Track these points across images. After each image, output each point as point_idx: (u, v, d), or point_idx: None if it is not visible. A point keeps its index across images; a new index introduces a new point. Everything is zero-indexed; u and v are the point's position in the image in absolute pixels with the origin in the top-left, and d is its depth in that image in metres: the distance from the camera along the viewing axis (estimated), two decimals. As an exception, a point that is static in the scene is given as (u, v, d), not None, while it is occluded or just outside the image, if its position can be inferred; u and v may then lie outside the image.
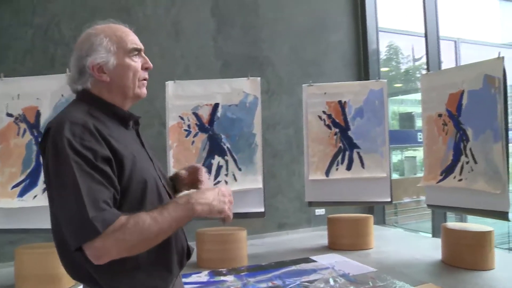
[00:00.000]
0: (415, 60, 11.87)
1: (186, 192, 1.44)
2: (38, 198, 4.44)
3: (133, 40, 1.49)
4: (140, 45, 1.50)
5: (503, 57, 4.29)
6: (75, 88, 1.46)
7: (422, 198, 10.28)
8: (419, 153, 11.73)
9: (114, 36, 1.46)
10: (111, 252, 1.21)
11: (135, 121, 1.57)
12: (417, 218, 9.76)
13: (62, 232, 1.30)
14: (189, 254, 1.59)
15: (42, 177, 4.46)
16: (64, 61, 5.42)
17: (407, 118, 11.59)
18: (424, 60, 11.44)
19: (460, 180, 4.68)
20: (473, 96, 4.59)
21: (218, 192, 1.38)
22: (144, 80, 1.51)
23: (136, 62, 1.47)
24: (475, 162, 4.53)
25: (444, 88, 4.92)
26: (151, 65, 1.51)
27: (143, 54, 1.51)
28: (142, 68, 1.49)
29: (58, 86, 4.50)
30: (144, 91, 1.51)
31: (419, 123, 11.86)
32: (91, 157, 1.25)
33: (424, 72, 11.56)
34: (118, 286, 1.34)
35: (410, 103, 12.22)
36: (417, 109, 12.11)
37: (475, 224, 5.07)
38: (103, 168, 1.26)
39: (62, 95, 4.48)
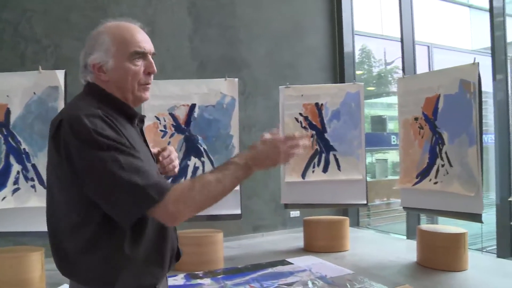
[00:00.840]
0: (387, 64, 12.03)
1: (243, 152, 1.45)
2: (7, 200, 4.27)
3: (138, 42, 1.44)
4: (145, 48, 1.45)
5: (478, 63, 4.37)
6: (82, 80, 1.48)
7: (393, 200, 10.47)
8: (390, 156, 11.92)
9: (118, 37, 1.43)
10: (184, 212, 1.28)
11: (140, 119, 1.57)
12: (388, 220, 9.89)
13: (58, 223, 1.34)
14: (178, 256, 1.59)
15: (11, 178, 4.30)
16: (35, 58, 5.26)
17: (379, 121, 11.74)
18: (396, 64, 11.65)
19: (436, 183, 4.74)
20: (449, 100, 4.65)
21: (270, 145, 1.39)
22: (146, 84, 1.49)
23: (137, 66, 1.44)
24: (451, 166, 4.60)
25: (421, 92, 4.97)
26: (155, 69, 1.49)
27: (149, 57, 1.48)
28: (145, 72, 1.46)
29: (29, 83, 4.35)
30: (145, 95, 1.50)
31: (390, 126, 12.07)
32: (120, 144, 1.27)
33: (396, 76, 11.81)
34: (111, 281, 1.32)
35: (382, 107, 12.39)
36: (388, 113, 12.30)
37: (449, 225, 5.13)
38: (134, 152, 1.29)
39: (34, 93, 4.32)
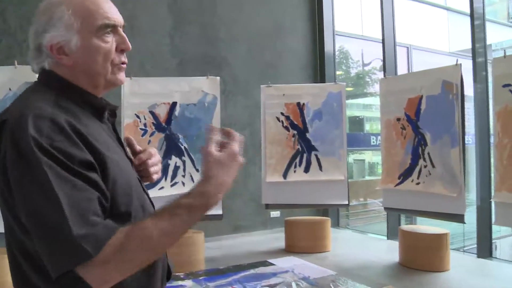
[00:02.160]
0: (364, 65, 12.11)
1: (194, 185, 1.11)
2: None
3: (105, 13, 1.15)
4: (115, 20, 1.17)
5: (460, 64, 4.40)
6: (34, 68, 1.19)
7: (371, 201, 10.54)
8: (367, 156, 12.01)
9: (80, 8, 1.14)
10: (114, 276, 0.98)
11: (112, 112, 1.28)
12: (366, 220, 9.96)
13: (16, 244, 1.04)
14: (169, 274, 1.34)
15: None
16: (10, 53, 5.08)
17: (356, 122, 11.81)
18: (373, 65, 11.74)
19: (418, 183, 4.75)
20: (432, 101, 4.66)
21: (229, 160, 1.13)
22: (122, 64, 1.21)
23: (108, 43, 1.15)
24: (433, 166, 4.61)
25: (403, 92, 4.98)
26: (129, 45, 1.20)
27: (121, 31, 1.19)
28: (117, 50, 1.18)
29: (4, 79, 4.20)
30: (121, 77, 1.22)
31: (367, 127, 12.16)
32: (67, 161, 0.97)
33: (374, 77, 11.90)
34: None
35: (360, 107, 12.47)
36: (366, 113, 12.40)
37: (428, 226, 5.16)
38: (85, 172, 0.98)
39: (10, 89, 4.17)
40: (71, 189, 0.95)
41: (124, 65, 1.23)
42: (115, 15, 1.18)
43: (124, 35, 1.20)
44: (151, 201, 1.30)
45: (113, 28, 1.17)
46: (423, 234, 4.76)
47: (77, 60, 1.14)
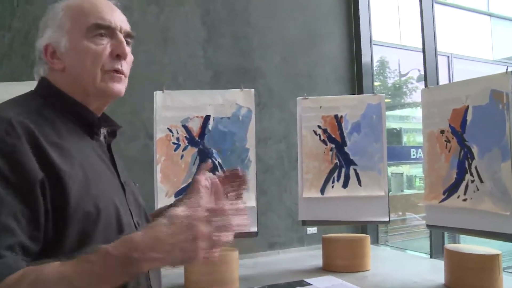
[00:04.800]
0: (401, 75, 11.81)
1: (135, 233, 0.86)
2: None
3: (99, 13, 1.05)
4: (111, 22, 1.05)
5: (511, 72, 4.11)
6: (35, 76, 1.10)
7: (409, 215, 10.18)
8: (405, 169, 11.65)
9: (73, 8, 1.06)
10: None
11: (112, 131, 1.16)
12: (405, 236, 9.60)
13: None
14: None
15: None
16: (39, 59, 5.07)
17: (393, 134, 11.49)
18: (411, 74, 11.42)
19: (465, 199, 4.46)
20: (479, 111, 4.39)
21: (181, 225, 0.81)
22: (115, 71, 1.06)
23: (99, 46, 1.04)
24: (481, 181, 4.32)
25: (447, 103, 4.72)
26: (126, 51, 1.07)
27: (119, 35, 1.07)
28: (112, 55, 1.06)
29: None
30: (114, 87, 1.06)
31: (404, 139, 11.82)
32: (7, 170, 0.86)
33: (412, 86, 11.58)
34: None
35: (397, 119, 12.14)
36: (403, 125, 12.06)
37: (474, 245, 4.86)
38: (22, 190, 0.86)
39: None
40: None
41: (118, 74, 1.07)
42: (112, 17, 1.07)
43: (122, 39, 1.07)
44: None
45: (107, 30, 1.06)
46: (473, 255, 4.45)
47: (67, 64, 1.05)
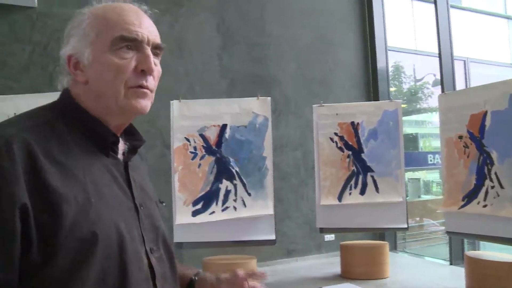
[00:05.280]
0: (416, 80, 11.74)
1: None
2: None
3: (126, 24, 0.99)
4: (137, 33, 0.99)
5: (530, 76, 4.08)
6: (58, 86, 1.08)
7: (427, 221, 10.08)
8: (422, 175, 11.55)
9: (100, 17, 1.00)
10: None
11: (133, 147, 1.10)
12: (423, 242, 9.51)
13: None
14: None
15: None
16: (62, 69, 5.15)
17: (410, 139, 11.40)
18: (426, 79, 11.35)
19: (485, 206, 4.41)
20: (498, 117, 4.34)
21: None
22: (140, 87, 1.01)
23: (123, 60, 0.99)
24: (502, 187, 4.27)
25: (465, 108, 4.68)
26: (152, 66, 1.03)
27: (146, 49, 1.01)
28: (136, 70, 1.01)
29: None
30: (138, 104, 1.01)
31: (421, 144, 11.72)
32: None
33: (427, 91, 11.50)
34: None
35: (412, 124, 12.06)
36: (419, 130, 11.97)
37: (495, 252, 4.79)
38: (5, 219, 0.82)
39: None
40: None
41: (144, 90, 1.02)
42: (140, 28, 1.01)
43: (148, 53, 1.02)
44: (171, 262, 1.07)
45: (133, 43, 1.01)
46: (495, 262, 4.38)
47: (89, 77, 1.00)
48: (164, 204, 1.22)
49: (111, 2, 1.05)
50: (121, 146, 1.09)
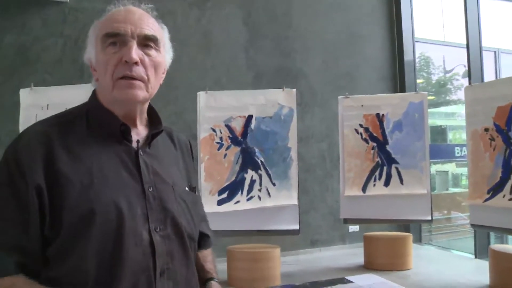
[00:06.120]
0: (446, 72, 11.55)
1: None
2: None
3: (113, 22, 1.08)
4: (120, 29, 1.07)
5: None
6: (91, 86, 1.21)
7: (454, 214, 9.97)
8: (450, 167, 11.38)
9: (97, 23, 1.13)
10: None
11: (153, 134, 1.19)
12: (450, 235, 9.42)
13: None
14: None
15: None
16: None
17: (438, 132, 11.26)
18: (456, 71, 11.16)
19: (510, 199, 4.39)
20: (525, 109, 4.31)
21: None
22: (123, 78, 1.08)
23: (108, 55, 1.08)
24: (527, 181, 4.24)
25: (492, 101, 4.64)
26: (133, 56, 1.07)
27: (128, 41, 1.08)
28: (122, 62, 1.07)
29: (87, 95, 4.36)
30: (126, 94, 1.09)
31: (450, 136, 11.55)
32: (17, 178, 1.00)
33: (457, 83, 11.31)
34: None
35: (442, 116, 11.89)
36: (448, 122, 11.79)
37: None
38: (26, 197, 0.99)
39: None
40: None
41: (129, 81, 1.08)
42: (123, 24, 1.08)
43: (130, 45, 1.07)
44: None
45: (117, 38, 1.08)
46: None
47: (98, 75, 1.13)
48: (196, 192, 1.31)
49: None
50: (138, 134, 1.18)
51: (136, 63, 1.08)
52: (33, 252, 1.00)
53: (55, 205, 1.00)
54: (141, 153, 1.15)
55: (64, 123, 1.10)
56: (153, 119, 1.23)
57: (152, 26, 1.14)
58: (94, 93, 1.17)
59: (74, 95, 4.42)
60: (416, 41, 7.18)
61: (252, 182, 4.87)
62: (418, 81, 9.23)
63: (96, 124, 1.13)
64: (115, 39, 1.08)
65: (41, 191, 1.00)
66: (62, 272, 1.00)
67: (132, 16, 1.11)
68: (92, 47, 1.13)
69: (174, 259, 1.11)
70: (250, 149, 4.91)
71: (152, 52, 1.13)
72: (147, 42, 1.12)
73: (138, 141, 1.17)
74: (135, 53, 1.08)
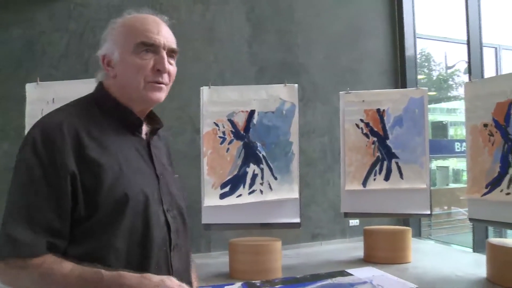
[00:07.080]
0: (447, 67, 11.58)
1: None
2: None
3: (146, 31, 1.23)
4: (155, 40, 1.23)
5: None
6: (96, 79, 1.32)
7: (455, 210, 10.04)
8: (451, 163, 11.44)
9: (128, 26, 1.24)
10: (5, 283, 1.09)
11: (154, 130, 1.35)
12: (450, 230, 9.50)
13: None
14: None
15: None
16: (98, 65, 5.37)
17: (439, 127, 11.32)
18: (457, 67, 11.19)
19: (508, 193, 4.46)
20: (523, 105, 4.37)
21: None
22: (155, 83, 1.24)
23: (144, 60, 1.22)
24: (525, 176, 4.31)
25: (491, 96, 4.70)
26: (165, 66, 1.24)
27: (162, 52, 1.24)
28: (153, 69, 1.23)
29: (91, 90, 4.43)
30: (153, 95, 1.25)
31: (451, 132, 11.61)
32: (49, 164, 1.09)
33: (458, 79, 11.35)
34: None
35: (443, 112, 11.94)
36: (449, 118, 11.85)
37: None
38: (60, 182, 1.09)
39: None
40: (34, 194, 1.08)
41: (159, 85, 1.25)
42: (158, 36, 1.24)
43: (164, 56, 1.24)
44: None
45: (151, 47, 1.23)
46: (515, 248, 4.45)
47: (118, 73, 1.24)
48: (176, 176, 1.46)
49: (136, 13, 1.30)
50: (144, 128, 1.34)
51: (164, 72, 1.26)
52: (63, 233, 1.11)
53: (89, 188, 1.12)
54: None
55: (81, 112, 1.22)
56: (151, 115, 1.38)
57: (174, 39, 1.30)
58: (102, 86, 1.29)
59: (79, 90, 4.43)
60: (418, 37, 7.23)
61: (254, 176, 4.95)
62: (419, 77, 9.28)
63: (109, 115, 1.25)
64: (149, 48, 1.23)
65: (75, 178, 1.11)
66: (91, 249, 1.12)
67: (164, 29, 1.27)
68: (116, 46, 1.24)
69: (180, 235, 1.29)
70: (252, 144, 4.98)
71: (173, 62, 1.30)
72: (171, 53, 1.28)
73: (146, 134, 1.33)
74: (167, 64, 1.25)
